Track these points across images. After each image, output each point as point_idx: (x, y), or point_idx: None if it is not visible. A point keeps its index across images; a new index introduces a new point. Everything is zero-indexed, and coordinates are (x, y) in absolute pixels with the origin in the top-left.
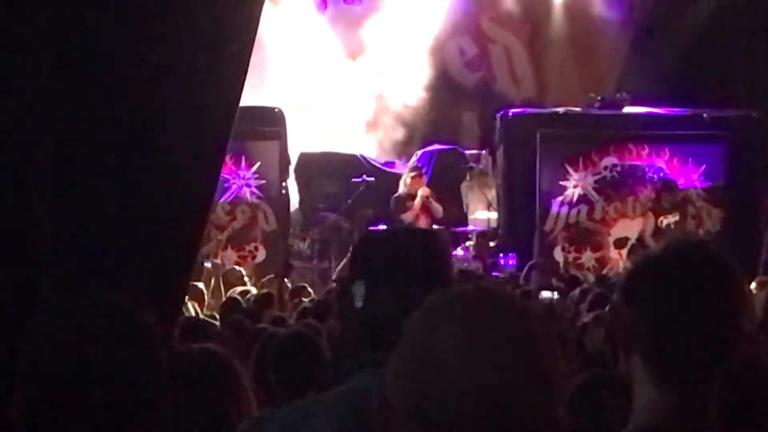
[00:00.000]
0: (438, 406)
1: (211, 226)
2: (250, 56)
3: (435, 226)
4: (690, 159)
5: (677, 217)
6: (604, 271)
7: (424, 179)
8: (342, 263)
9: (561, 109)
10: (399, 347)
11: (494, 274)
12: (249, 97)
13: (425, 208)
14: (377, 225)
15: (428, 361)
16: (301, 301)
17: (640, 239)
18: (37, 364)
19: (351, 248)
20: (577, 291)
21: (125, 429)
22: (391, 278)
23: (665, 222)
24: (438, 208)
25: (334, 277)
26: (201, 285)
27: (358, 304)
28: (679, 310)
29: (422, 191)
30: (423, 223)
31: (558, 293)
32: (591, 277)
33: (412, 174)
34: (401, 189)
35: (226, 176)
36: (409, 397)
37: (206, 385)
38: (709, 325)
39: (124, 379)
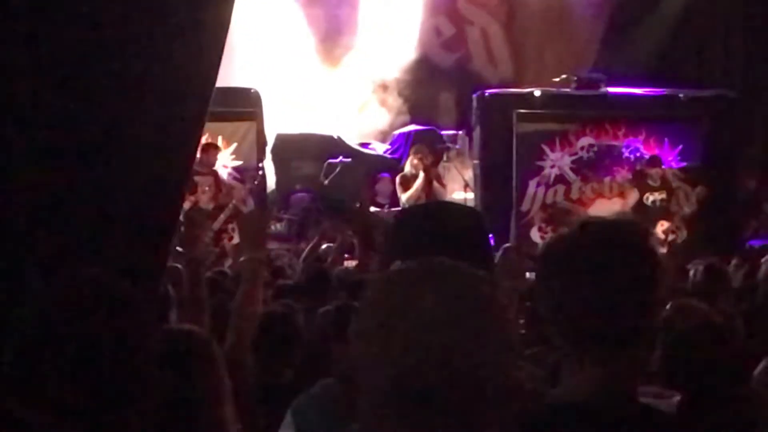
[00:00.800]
0: (399, 374)
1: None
2: (225, 36)
3: None
4: (666, 139)
5: (664, 195)
6: None
7: (430, 159)
8: (311, 244)
9: (537, 90)
10: (357, 325)
11: None
12: (225, 79)
13: (428, 189)
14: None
15: (385, 331)
16: (277, 281)
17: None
18: (26, 343)
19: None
20: None
21: (115, 407)
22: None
23: (651, 199)
24: (441, 190)
25: (303, 257)
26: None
27: None
28: (588, 287)
29: (423, 173)
30: None
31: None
32: None
33: (418, 155)
34: (407, 169)
35: None
36: (371, 369)
37: (185, 367)
38: (618, 298)
39: (114, 356)
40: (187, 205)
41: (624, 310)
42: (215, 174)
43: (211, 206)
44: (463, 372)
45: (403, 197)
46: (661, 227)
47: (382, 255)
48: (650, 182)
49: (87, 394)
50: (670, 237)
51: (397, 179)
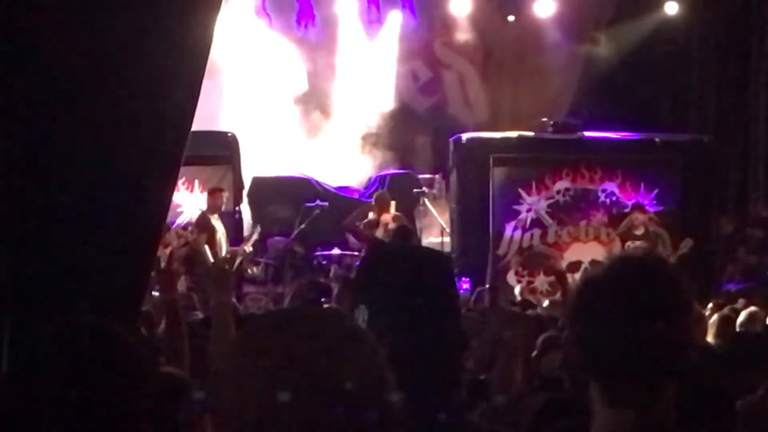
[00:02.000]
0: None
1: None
2: (201, 80)
3: None
4: (642, 183)
5: (645, 244)
6: (557, 296)
7: (392, 206)
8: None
9: (514, 134)
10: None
11: None
12: (202, 123)
13: (388, 234)
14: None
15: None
16: None
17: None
18: (17, 389)
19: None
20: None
21: None
22: (394, 303)
23: (632, 247)
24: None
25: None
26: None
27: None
28: (617, 328)
29: (383, 218)
30: None
31: None
32: (545, 302)
33: (378, 201)
34: (370, 215)
35: (179, 201)
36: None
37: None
38: (652, 342)
39: (112, 400)
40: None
41: (660, 353)
42: (221, 220)
43: (224, 252)
44: (341, 408)
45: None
46: None
47: (352, 296)
48: (634, 231)
49: None
50: None
51: (362, 225)
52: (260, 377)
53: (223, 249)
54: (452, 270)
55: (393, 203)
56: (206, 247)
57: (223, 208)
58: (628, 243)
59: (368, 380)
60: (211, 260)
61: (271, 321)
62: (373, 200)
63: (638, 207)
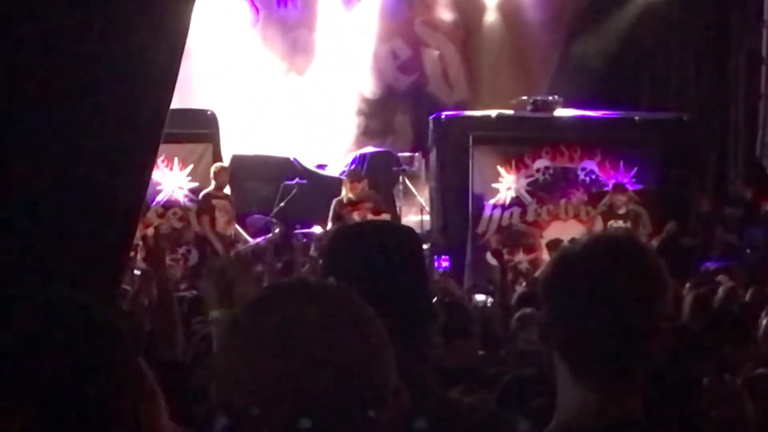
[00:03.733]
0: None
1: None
2: (180, 58)
3: None
4: (622, 161)
5: (629, 224)
6: (536, 273)
7: (364, 183)
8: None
9: (493, 112)
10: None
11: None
12: (182, 100)
13: (363, 213)
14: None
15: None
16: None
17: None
18: (7, 366)
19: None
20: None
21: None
22: (362, 276)
23: (614, 226)
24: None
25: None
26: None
27: None
28: (590, 308)
29: (347, 195)
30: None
31: (491, 296)
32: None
33: (351, 179)
34: (343, 194)
35: (159, 179)
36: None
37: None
38: (623, 324)
39: (95, 375)
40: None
41: (631, 336)
42: (228, 198)
43: (228, 231)
44: (336, 384)
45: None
46: None
47: (321, 270)
48: (617, 211)
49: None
50: None
51: (333, 204)
52: (254, 351)
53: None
54: (419, 244)
55: (365, 180)
56: (209, 230)
57: (192, 185)
58: (611, 222)
59: (363, 356)
60: (217, 243)
61: (268, 295)
62: (345, 178)
63: (619, 187)
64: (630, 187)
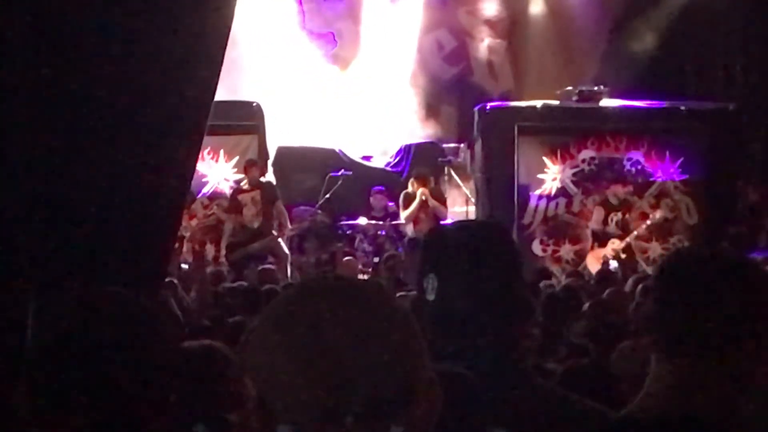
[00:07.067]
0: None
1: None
2: (225, 49)
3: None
4: (668, 151)
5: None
6: (582, 264)
7: (430, 183)
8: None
9: (539, 103)
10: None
11: None
12: (227, 92)
13: (425, 208)
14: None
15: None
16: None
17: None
18: (43, 358)
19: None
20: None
21: (134, 422)
22: (463, 271)
23: (614, 219)
24: (440, 208)
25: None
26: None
27: (431, 297)
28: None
29: (420, 192)
30: (424, 222)
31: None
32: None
33: (419, 180)
34: (408, 188)
35: (205, 171)
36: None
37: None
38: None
39: (136, 370)
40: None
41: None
42: (261, 187)
43: (255, 224)
44: (365, 380)
45: (402, 215)
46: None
47: (417, 272)
48: (613, 201)
49: (106, 414)
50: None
51: (401, 196)
52: (283, 348)
53: (251, 219)
54: (513, 240)
55: (432, 179)
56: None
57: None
58: (611, 215)
59: (393, 357)
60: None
61: (300, 292)
62: (413, 177)
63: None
64: (677, 178)
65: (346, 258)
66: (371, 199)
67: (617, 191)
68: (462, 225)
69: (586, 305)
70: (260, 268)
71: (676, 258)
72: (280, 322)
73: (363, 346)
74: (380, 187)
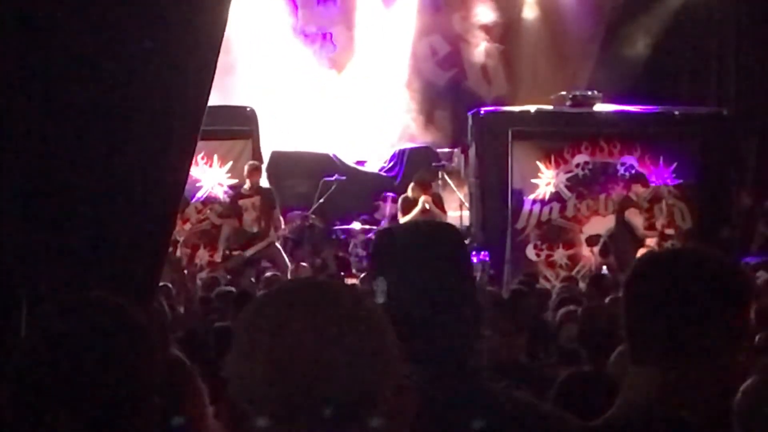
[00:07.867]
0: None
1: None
2: (218, 53)
3: None
4: (661, 156)
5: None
6: (576, 269)
7: (432, 189)
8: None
9: (533, 107)
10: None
11: None
12: (221, 97)
13: (426, 214)
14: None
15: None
16: None
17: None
18: (30, 363)
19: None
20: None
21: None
22: (410, 273)
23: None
24: (441, 216)
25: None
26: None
27: (380, 299)
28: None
29: (423, 199)
30: None
31: None
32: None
33: (417, 181)
34: (408, 193)
35: (198, 176)
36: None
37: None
38: (694, 319)
39: (122, 384)
40: (228, 228)
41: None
42: (261, 192)
43: (254, 229)
44: (336, 384)
45: (402, 221)
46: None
47: (366, 272)
48: (634, 199)
49: (91, 423)
50: None
51: (400, 201)
52: (252, 349)
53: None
54: (463, 242)
55: (432, 184)
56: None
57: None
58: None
59: (359, 357)
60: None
61: (272, 294)
62: (414, 181)
63: (637, 177)
64: (670, 182)
65: (302, 264)
66: (380, 202)
67: (638, 191)
68: (410, 226)
69: (579, 310)
70: (266, 275)
71: (642, 264)
72: (249, 324)
73: (328, 346)
74: (393, 194)
